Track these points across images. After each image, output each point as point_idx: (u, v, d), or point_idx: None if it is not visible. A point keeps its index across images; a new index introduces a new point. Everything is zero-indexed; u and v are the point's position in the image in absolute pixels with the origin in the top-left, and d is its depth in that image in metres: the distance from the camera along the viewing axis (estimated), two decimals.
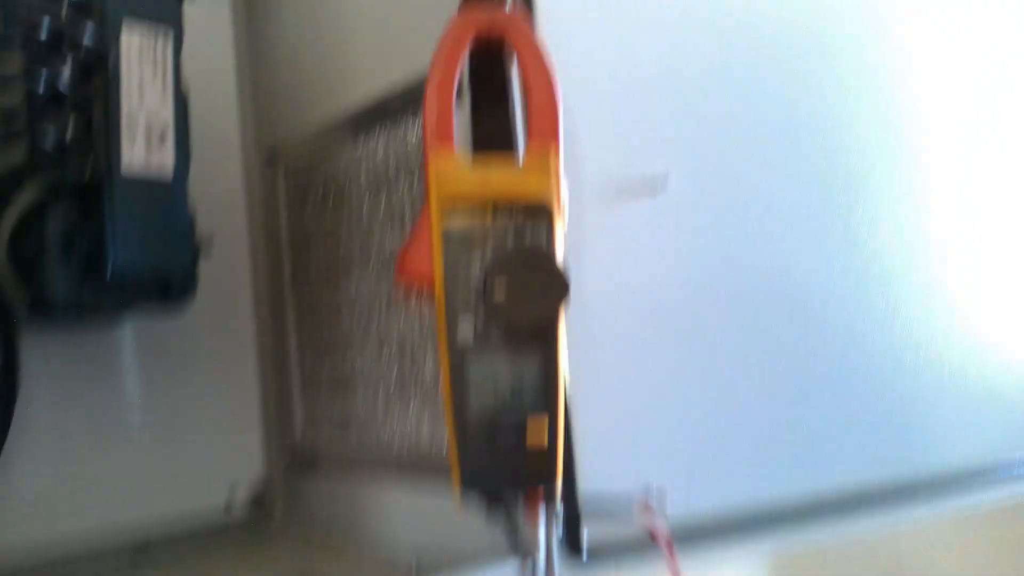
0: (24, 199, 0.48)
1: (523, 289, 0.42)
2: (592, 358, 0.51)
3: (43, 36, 0.46)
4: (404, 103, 0.58)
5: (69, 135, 0.45)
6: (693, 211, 0.58)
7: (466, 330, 0.44)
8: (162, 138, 0.48)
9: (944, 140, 0.73)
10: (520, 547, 0.51)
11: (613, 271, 0.53)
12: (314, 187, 0.69)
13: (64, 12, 0.46)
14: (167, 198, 0.49)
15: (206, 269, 0.61)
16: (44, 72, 0.46)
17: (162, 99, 0.49)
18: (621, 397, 0.53)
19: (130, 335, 0.69)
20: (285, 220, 0.73)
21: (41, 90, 0.46)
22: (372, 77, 0.60)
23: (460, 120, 0.49)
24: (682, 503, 0.54)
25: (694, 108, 0.57)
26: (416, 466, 0.61)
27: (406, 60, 0.58)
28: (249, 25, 0.77)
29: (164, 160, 0.48)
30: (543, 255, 0.42)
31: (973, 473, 0.69)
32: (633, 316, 0.54)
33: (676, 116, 0.56)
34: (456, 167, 0.43)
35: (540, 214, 0.42)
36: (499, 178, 0.42)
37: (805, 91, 0.64)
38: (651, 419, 0.55)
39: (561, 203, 0.43)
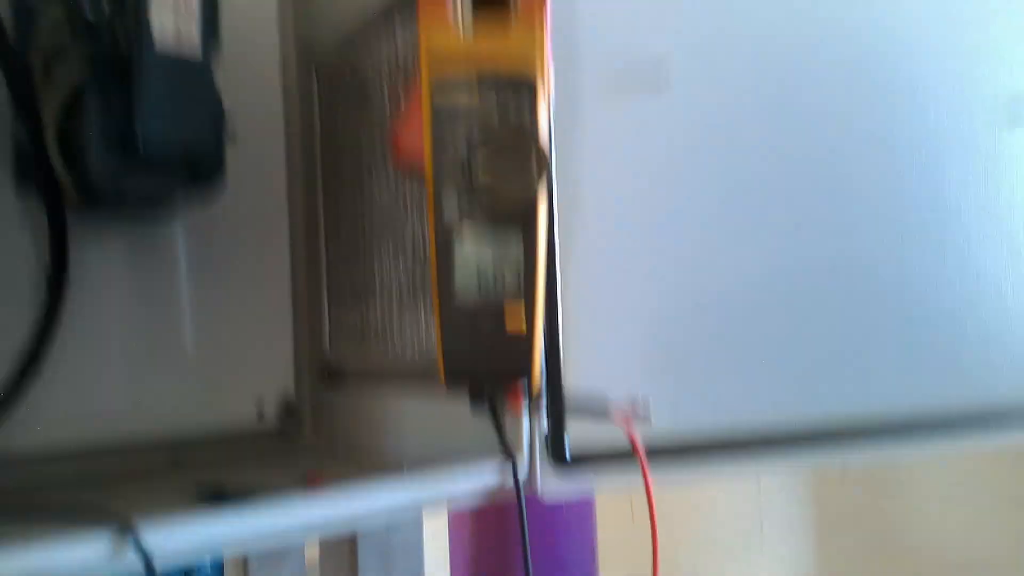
0: (68, 74, 0.52)
1: (505, 166, 0.43)
2: (586, 257, 0.51)
3: None
4: None
5: (105, 10, 0.49)
6: (696, 107, 0.56)
7: (451, 207, 0.45)
8: (190, 17, 0.51)
9: None
10: (504, 447, 0.51)
11: (611, 166, 0.52)
12: (344, 86, 0.71)
13: None
14: (195, 76, 0.52)
15: (241, 175, 0.64)
16: None
17: None
18: (613, 300, 0.53)
19: (167, 246, 0.72)
20: (319, 122, 0.75)
21: None
22: None
23: None
24: (668, 417, 0.53)
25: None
26: (424, 372, 0.63)
27: None
28: None
29: (192, 39, 0.51)
30: (525, 131, 0.42)
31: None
32: (631, 215, 0.53)
33: (680, 6, 0.55)
34: (445, 40, 0.44)
35: (524, 88, 0.43)
36: (486, 49, 0.43)
37: None
38: (644, 327, 0.54)
39: (546, 76, 0.43)
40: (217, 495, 0.52)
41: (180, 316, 0.73)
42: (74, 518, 0.42)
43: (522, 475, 0.50)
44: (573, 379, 0.51)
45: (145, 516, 0.41)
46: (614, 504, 1.83)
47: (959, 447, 0.65)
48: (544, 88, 0.43)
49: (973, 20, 0.67)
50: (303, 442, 0.81)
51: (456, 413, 0.57)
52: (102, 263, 0.67)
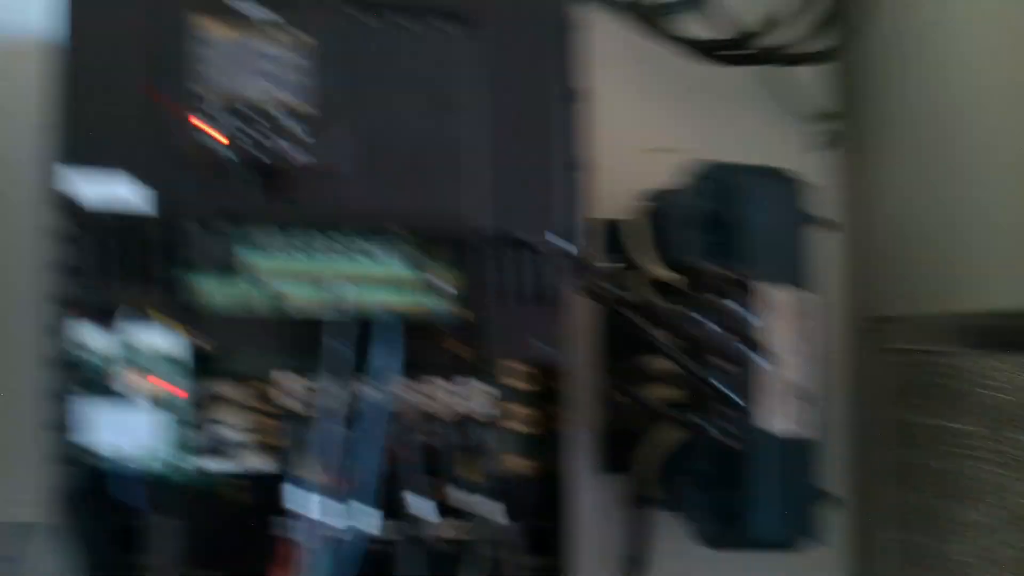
0: (674, 434, 0.50)
1: None
2: None
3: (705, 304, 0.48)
4: None
5: (718, 391, 0.46)
6: None
7: None
8: (804, 401, 0.47)
9: None
10: None
11: None
12: (918, 381, 0.60)
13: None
14: (805, 464, 0.48)
15: None
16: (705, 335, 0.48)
17: (804, 360, 0.48)
18: None
19: None
20: (883, 410, 0.65)
21: (699, 347, 0.48)
22: (999, 286, 0.49)
23: None
24: None
25: None
26: None
27: None
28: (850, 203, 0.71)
29: (806, 424, 0.47)
30: None
31: None
32: None
33: None
34: None
35: None
36: None
37: None
38: None
39: None
40: None
41: None
42: None
43: None
44: None
45: None
46: None
47: None
48: None
49: None
50: None
51: None
52: None
